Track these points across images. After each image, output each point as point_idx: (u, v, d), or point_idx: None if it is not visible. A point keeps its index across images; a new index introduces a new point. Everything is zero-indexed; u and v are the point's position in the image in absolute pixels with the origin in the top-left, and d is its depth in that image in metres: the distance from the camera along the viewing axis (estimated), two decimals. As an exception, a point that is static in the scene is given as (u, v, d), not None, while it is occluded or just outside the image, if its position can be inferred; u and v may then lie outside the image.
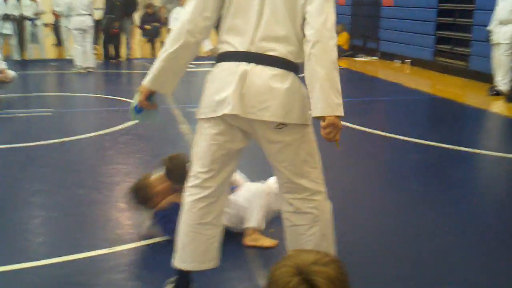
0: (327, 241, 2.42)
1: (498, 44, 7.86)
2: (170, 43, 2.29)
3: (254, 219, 3.07)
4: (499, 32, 7.80)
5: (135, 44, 13.24)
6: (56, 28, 14.07)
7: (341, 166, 4.60)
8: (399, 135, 5.56)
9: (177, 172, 3.08)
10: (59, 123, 6.35)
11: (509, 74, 7.79)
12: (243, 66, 2.19)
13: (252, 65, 2.18)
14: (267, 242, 3.08)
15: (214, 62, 2.34)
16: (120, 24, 11.84)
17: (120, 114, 6.67)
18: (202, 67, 11.13)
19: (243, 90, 2.17)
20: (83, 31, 10.21)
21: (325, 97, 2.10)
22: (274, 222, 3.29)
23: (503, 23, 7.74)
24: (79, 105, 7.82)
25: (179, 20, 2.31)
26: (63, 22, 11.70)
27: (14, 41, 11.60)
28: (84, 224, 3.49)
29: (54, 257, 3.00)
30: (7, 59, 9.70)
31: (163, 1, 13.78)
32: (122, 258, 3.03)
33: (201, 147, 2.34)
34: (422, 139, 5.43)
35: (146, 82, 2.38)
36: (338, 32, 10.14)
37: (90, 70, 10.28)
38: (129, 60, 12.15)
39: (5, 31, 11.20)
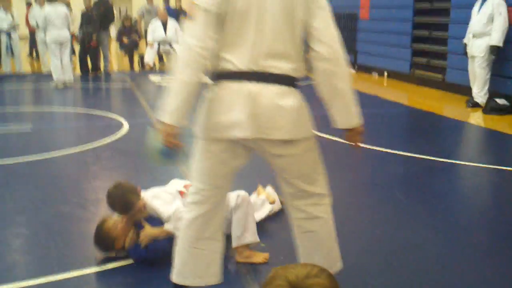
0: (336, 243, 2.53)
1: (473, 57, 8.01)
2: (181, 70, 2.15)
3: (250, 234, 3.03)
4: (474, 45, 7.96)
5: (111, 57, 13.16)
6: (31, 41, 13.95)
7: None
8: (380, 147, 5.62)
9: (119, 201, 3.05)
10: (39, 139, 6.26)
11: (485, 87, 7.94)
12: (248, 86, 2.17)
13: (257, 84, 2.18)
14: (260, 258, 3.06)
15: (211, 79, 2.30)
16: (97, 36, 11.76)
17: (101, 129, 6.61)
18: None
19: (253, 111, 2.17)
20: (60, 44, 10.11)
21: (352, 110, 2.32)
22: (262, 235, 3.29)
23: (477, 36, 7.89)
24: (58, 120, 7.73)
25: (184, 43, 2.16)
26: (40, 36, 11.58)
27: (-12, 55, 11.45)
28: (71, 242, 3.43)
29: (41, 277, 2.94)
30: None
31: (140, 13, 13.72)
32: (113, 277, 2.99)
33: (204, 164, 2.32)
34: (403, 151, 5.50)
35: (168, 119, 2.15)
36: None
37: (68, 84, 10.17)
38: (107, 73, 12.06)
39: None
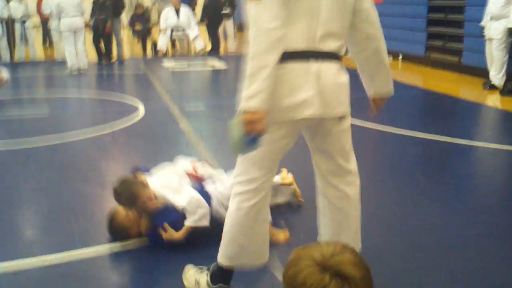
0: (360, 225, 2.57)
1: (491, 39, 7.92)
2: (262, 55, 2.06)
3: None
4: (491, 28, 7.86)
5: (124, 44, 13.17)
6: (44, 29, 13.99)
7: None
8: (398, 128, 5.59)
9: (124, 195, 3.03)
10: (56, 124, 6.29)
11: (503, 69, 7.86)
12: (310, 65, 2.17)
13: (317, 63, 2.19)
14: (282, 235, 3.09)
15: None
16: (111, 24, 11.76)
17: (117, 114, 6.64)
18: (195, 67, 11.16)
19: (319, 89, 2.18)
20: (74, 32, 10.13)
21: (391, 80, 2.52)
22: (279, 215, 3.30)
23: (494, 18, 7.79)
24: (74, 105, 7.77)
25: (258, 27, 2.06)
26: (54, 24, 11.61)
27: (3, 43, 11.49)
28: (93, 219, 3.47)
29: (62, 252, 3.00)
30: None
31: (153, 0, 13.71)
32: (132, 254, 3.02)
33: (262, 152, 2.25)
34: (421, 133, 5.46)
35: (254, 105, 2.06)
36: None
37: (82, 71, 10.20)
38: (120, 60, 12.07)
39: (-6, 33, 11.10)
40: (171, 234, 3.00)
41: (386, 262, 2.88)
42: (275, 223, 3.18)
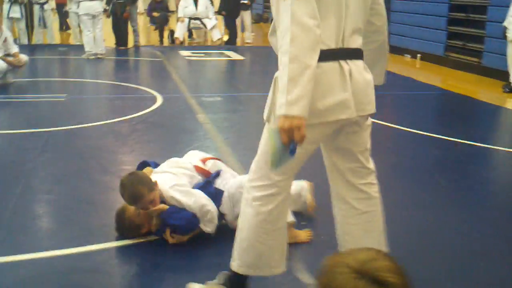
0: (384, 225, 2.49)
1: (513, 41, 7.81)
2: (304, 54, 1.93)
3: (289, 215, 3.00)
4: (513, 29, 7.75)
5: (140, 31, 13.15)
6: (60, 13, 13.98)
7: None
8: (417, 130, 5.53)
9: (128, 192, 2.94)
10: (74, 109, 6.30)
11: (524, 72, 7.75)
12: (344, 64, 2.11)
13: (349, 61, 2.13)
14: (304, 236, 3.05)
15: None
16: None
17: (134, 101, 6.63)
18: (211, 57, 11.12)
19: (352, 89, 2.12)
20: (92, 16, 10.12)
21: (385, 70, 2.52)
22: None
23: (518, 19, 7.68)
24: (92, 91, 7.76)
25: (298, 23, 1.93)
26: (72, 8, 11.60)
27: (22, 25, 11.51)
28: (111, 212, 3.45)
29: (78, 246, 2.96)
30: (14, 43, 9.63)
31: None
32: (151, 247, 3.00)
33: None
34: (441, 135, 5.39)
35: (297, 111, 1.92)
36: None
37: (100, 56, 10.20)
38: (136, 47, 12.06)
39: (13, 15, 11.11)
40: (176, 238, 2.97)
41: (408, 269, 2.83)
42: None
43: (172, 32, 13.09)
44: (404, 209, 3.63)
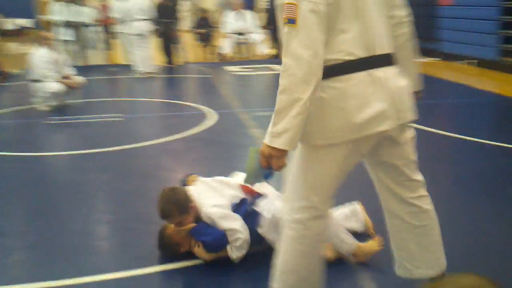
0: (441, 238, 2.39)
1: None
2: (299, 88, 1.87)
3: (349, 237, 2.94)
4: None
5: (187, 48, 13.33)
6: (107, 33, 14.32)
7: (425, 171, 4.45)
8: (481, 139, 5.35)
9: (160, 208, 3.01)
10: (130, 128, 6.41)
11: None
12: (377, 73, 2.01)
13: (378, 69, 2.03)
14: (375, 245, 2.95)
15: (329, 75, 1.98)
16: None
17: (187, 119, 6.69)
18: (259, 71, 11.15)
19: (389, 97, 2.02)
20: (141, 36, 10.32)
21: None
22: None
23: None
24: (146, 109, 7.88)
25: (294, 55, 1.87)
26: (121, 28, 11.87)
27: (74, 47, 11.84)
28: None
29: (118, 271, 2.96)
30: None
31: (219, 4, 13.83)
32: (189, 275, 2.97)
33: (322, 176, 2.09)
34: (504, 143, 5.20)
35: (281, 144, 1.92)
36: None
37: (150, 75, 10.38)
38: (184, 64, 12.21)
39: (66, 38, 11.45)
40: (201, 252, 2.97)
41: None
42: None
43: (218, 48, 13.21)
44: (467, 220, 3.50)
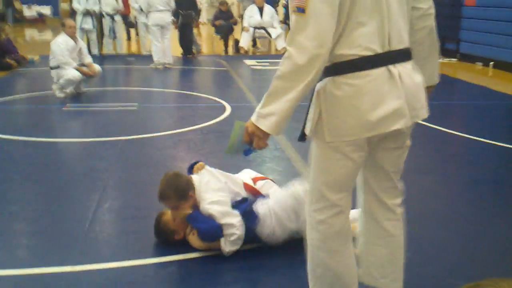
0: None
1: None
2: (297, 76, 1.85)
3: None
4: None
5: (203, 40, 13.32)
6: (125, 23, 14.37)
7: (441, 172, 4.40)
8: (496, 141, 5.26)
9: (159, 189, 3.05)
10: (145, 118, 6.41)
11: None
12: (392, 69, 1.94)
13: (397, 64, 1.96)
14: None
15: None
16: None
17: (203, 110, 6.67)
18: (276, 66, 11.10)
19: (404, 94, 1.95)
20: (161, 27, 10.32)
21: (438, 67, 2.27)
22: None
23: None
24: (162, 100, 7.89)
25: (297, 45, 1.83)
26: (141, 19, 11.89)
27: (93, 36, 11.89)
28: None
29: (126, 260, 2.96)
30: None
31: (240, -2, 13.79)
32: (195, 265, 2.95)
33: (338, 174, 2.06)
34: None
35: (266, 127, 1.92)
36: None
37: (168, 66, 10.37)
38: (201, 56, 12.18)
39: (85, 26, 11.49)
40: (195, 240, 2.97)
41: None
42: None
43: (236, 41, 13.18)
44: (485, 224, 3.44)
